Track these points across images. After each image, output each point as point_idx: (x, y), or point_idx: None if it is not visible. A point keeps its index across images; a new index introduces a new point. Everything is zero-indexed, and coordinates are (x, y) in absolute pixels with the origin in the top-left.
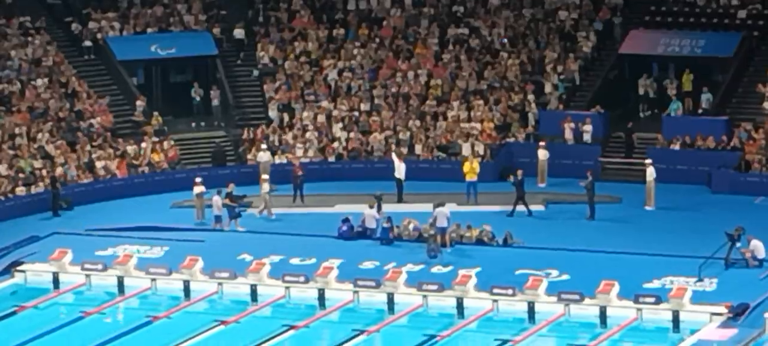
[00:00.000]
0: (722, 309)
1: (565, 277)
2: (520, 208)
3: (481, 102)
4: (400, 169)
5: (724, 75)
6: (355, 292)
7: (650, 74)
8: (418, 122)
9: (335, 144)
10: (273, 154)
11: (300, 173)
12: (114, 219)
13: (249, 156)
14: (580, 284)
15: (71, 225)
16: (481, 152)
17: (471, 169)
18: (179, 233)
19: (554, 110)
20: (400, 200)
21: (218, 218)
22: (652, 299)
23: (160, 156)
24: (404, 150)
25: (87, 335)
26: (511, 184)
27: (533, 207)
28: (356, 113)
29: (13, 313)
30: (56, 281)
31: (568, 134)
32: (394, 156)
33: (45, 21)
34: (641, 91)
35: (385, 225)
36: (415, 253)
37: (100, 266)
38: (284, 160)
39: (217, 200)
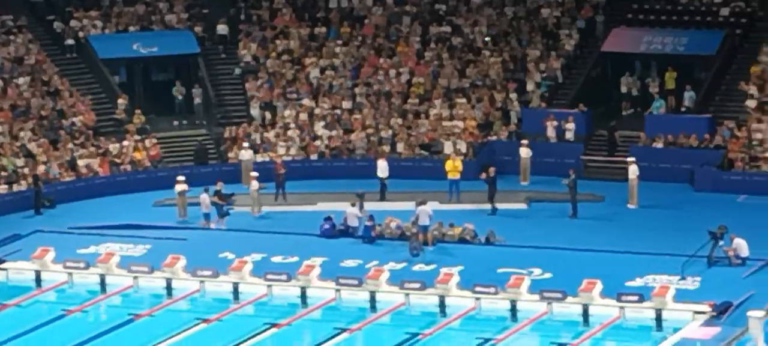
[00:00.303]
0: (705, 308)
1: (547, 275)
2: (495, 205)
3: (463, 100)
4: (382, 168)
5: (706, 73)
6: (338, 290)
7: (633, 72)
8: (400, 120)
9: (317, 142)
10: (255, 152)
11: (282, 171)
12: (96, 217)
13: (231, 154)
14: (563, 283)
15: (53, 223)
16: (464, 150)
17: (453, 167)
18: (161, 231)
19: (537, 108)
20: (382, 199)
21: (207, 216)
22: (635, 298)
23: (142, 154)
24: (386, 148)
25: (69, 333)
26: (483, 181)
27: (515, 205)
28: (338, 111)
29: None
30: (38, 279)
31: (551, 132)
32: (381, 162)
33: (27, 19)
34: (624, 89)
35: (368, 223)
36: (398, 251)
37: (82, 264)
38: (266, 159)
39: (204, 197)
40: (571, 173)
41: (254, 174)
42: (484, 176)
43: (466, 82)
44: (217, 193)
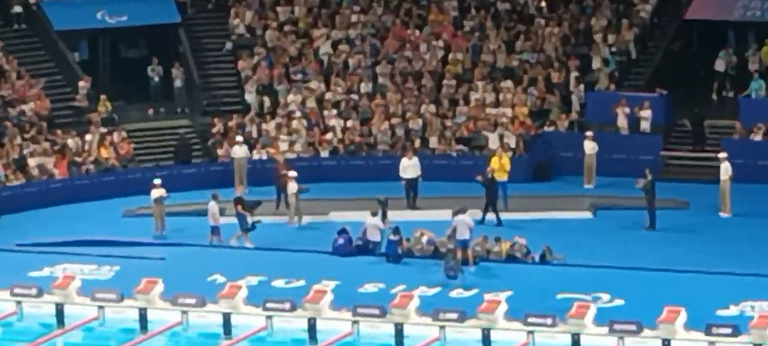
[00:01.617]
0: None
1: (618, 302)
2: (491, 216)
3: (511, 83)
4: (410, 167)
5: None
6: (355, 322)
7: (725, 45)
8: (432, 108)
9: (329, 135)
10: (251, 148)
11: (285, 172)
12: (51, 232)
13: (220, 151)
14: (638, 312)
15: None
16: (513, 145)
17: (500, 166)
18: (133, 248)
19: (604, 92)
20: (410, 206)
21: (215, 230)
22: (728, 330)
23: (109, 151)
24: (416, 143)
25: None
26: (481, 184)
27: (578, 214)
28: (355, 97)
29: None
30: None
31: (622, 122)
32: (404, 153)
33: None
34: (714, 67)
35: (392, 238)
36: (430, 272)
37: (33, 291)
38: (264, 157)
39: (213, 206)
40: (647, 173)
41: (292, 173)
42: (480, 177)
43: (515, 60)
44: (239, 201)
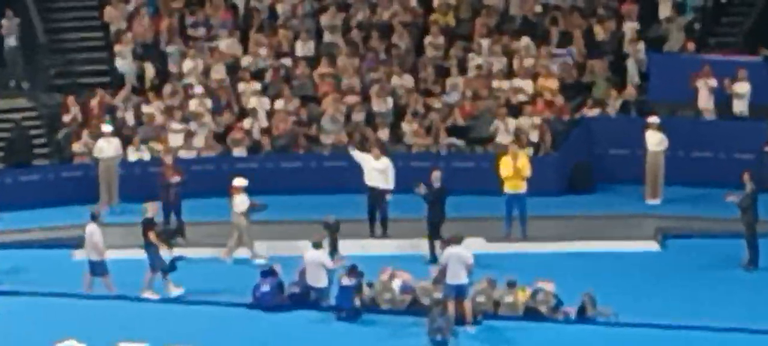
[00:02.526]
0: None
1: None
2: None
3: (531, 40)
4: (378, 173)
5: None
6: None
7: None
8: (409, 80)
9: (246, 122)
10: (126, 144)
11: (175, 179)
12: None
13: (76, 147)
14: None
15: None
16: (534, 138)
17: (514, 170)
18: None
19: (678, 54)
20: (376, 233)
21: (98, 269)
22: None
23: None
24: (383, 134)
25: None
26: (422, 198)
27: (637, 245)
28: (287, 62)
29: None
30: None
31: (705, 100)
32: (355, 151)
33: None
34: None
35: (346, 282)
36: (406, 336)
37: None
38: (146, 156)
39: (94, 232)
40: (745, 180)
41: (240, 182)
42: (421, 189)
43: (539, 5)
44: (149, 225)
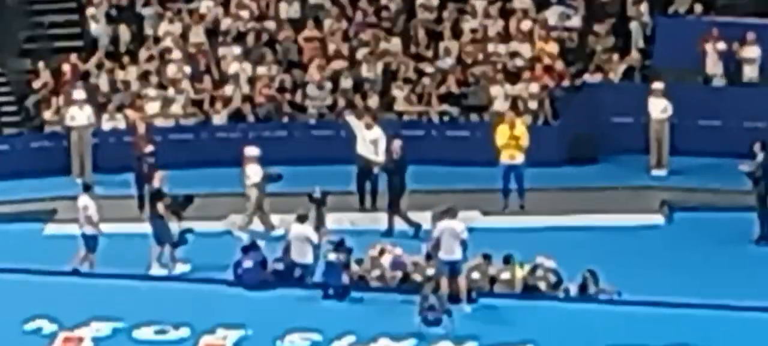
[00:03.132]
0: None
1: None
2: (400, 222)
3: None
4: (372, 143)
5: None
6: None
7: None
8: (399, 43)
9: (228, 88)
10: (99, 111)
11: (149, 150)
12: None
13: (47, 115)
14: None
15: None
16: (533, 106)
17: (512, 139)
18: None
19: (684, 16)
20: (365, 205)
21: (89, 242)
22: None
23: None
24: (372, 101)
25: None
26: (382, 169)
27: (642, 218)
28: (270, 26)
29: None
30: None
31: (713, 65)
32: (351, 117)
33: None
34: None
35: (333, 258)
36: (397, 315)
37: None
38: (121, 125)
39: (87, 203)
40: (757, 149)
41: (253, 151)
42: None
43: None
44: (158, 196)
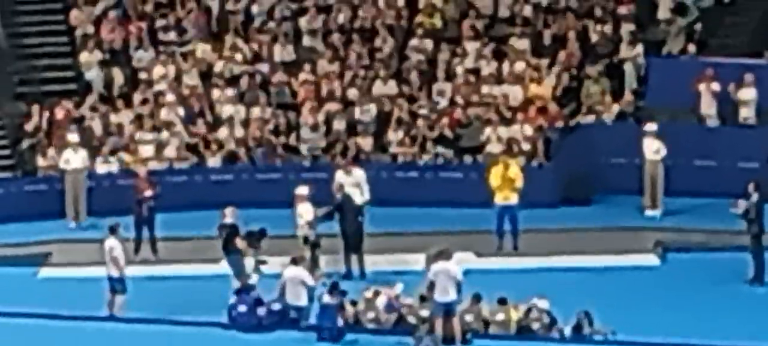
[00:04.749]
0: None
1: None
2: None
3: (525, 43)
4: (350, 188)
5: None
6: None
7: None
8: (393, 86)
9: (222, 132)
10: (92, 154)
11: (148, 193)
12: None
13: (42, 161)
14: None
15: None
16: (526, 147)
17: (507, 180)
18: None
19: (678, 57)
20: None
21: (116, 284)
22: None
23: None
24: (365, 142)
25: None
26: (324, 218)
27: (636, 259)
28: (263, 68)
29: None
30: None
31: (707, 106)
32: (339, 174)
33: None
34: None
35: (328, 300)
36: None
37: None
38: (115, 168)
39: (114, 246)
40: (751, 190)
41: (304, 190)
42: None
43: (530, 4)
44: (234, 231)
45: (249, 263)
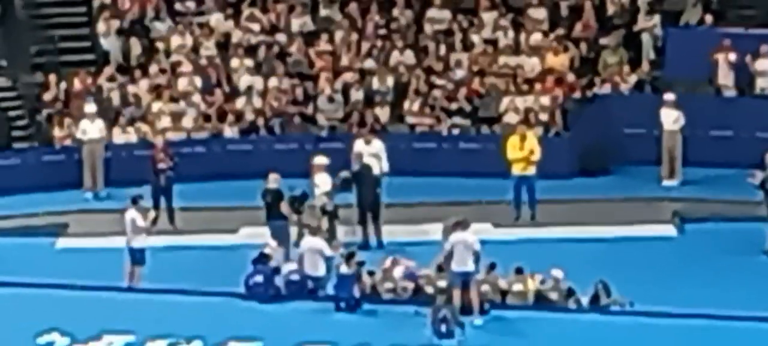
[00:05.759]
0: None
1: None
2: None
3: (542, 10)
4: (369, 157)
5: None
6: None
7: None
8: (411, 56)
9: (239, 102)
10: (110, 124)
11: (166, 163)
12: None
13: (58, 132)
14: None
15: None
16: (544, 117)
17: (522, 150)
18: None
19: (695, 27)
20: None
21: (137, 255)
22: None
23: None
24: (381, 112)
25: None
26: (340, 187)
27: (653, 229)
28: (281, 38)
29: None
30: None
31: (725, 77)
32: (359, 143)
33: None
34: None
35: (345, 270)
36: (409, 327)
37: None
38: (133, 138)
39: (134, 217)
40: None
41: (321, 160)
42: (337, 180)
43: None
44: (278, 197)
45: (293, 226)
